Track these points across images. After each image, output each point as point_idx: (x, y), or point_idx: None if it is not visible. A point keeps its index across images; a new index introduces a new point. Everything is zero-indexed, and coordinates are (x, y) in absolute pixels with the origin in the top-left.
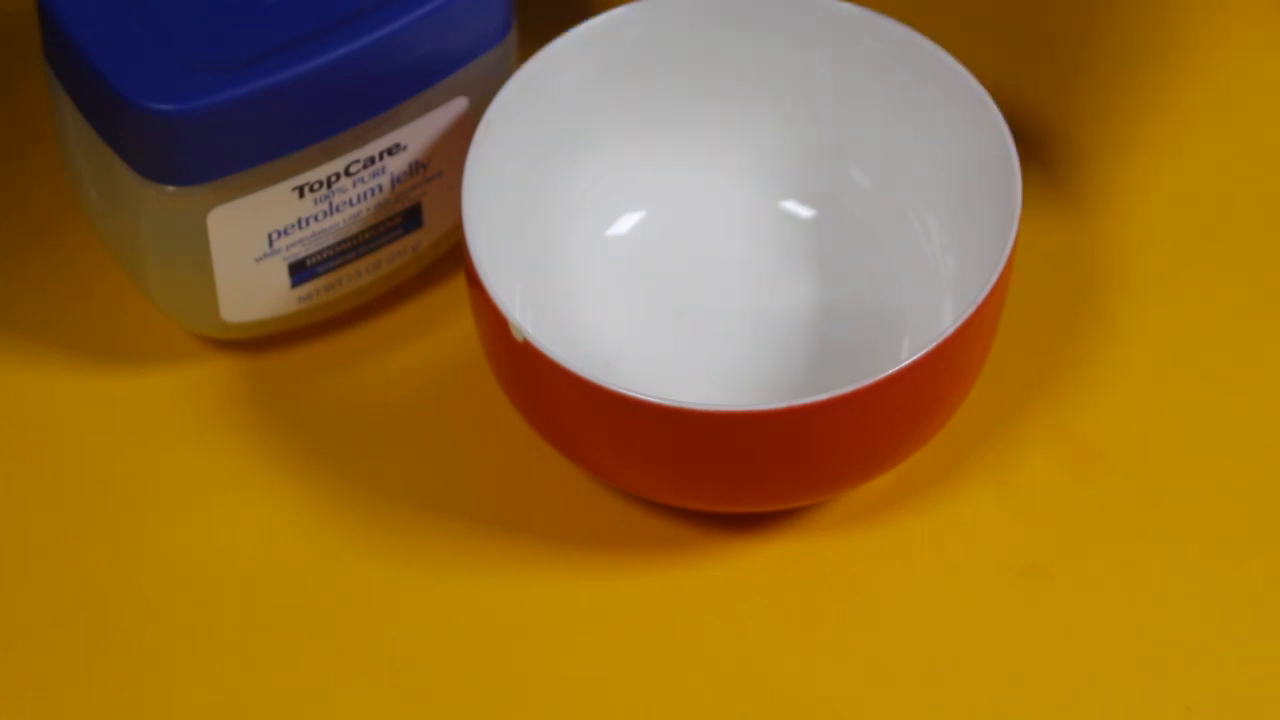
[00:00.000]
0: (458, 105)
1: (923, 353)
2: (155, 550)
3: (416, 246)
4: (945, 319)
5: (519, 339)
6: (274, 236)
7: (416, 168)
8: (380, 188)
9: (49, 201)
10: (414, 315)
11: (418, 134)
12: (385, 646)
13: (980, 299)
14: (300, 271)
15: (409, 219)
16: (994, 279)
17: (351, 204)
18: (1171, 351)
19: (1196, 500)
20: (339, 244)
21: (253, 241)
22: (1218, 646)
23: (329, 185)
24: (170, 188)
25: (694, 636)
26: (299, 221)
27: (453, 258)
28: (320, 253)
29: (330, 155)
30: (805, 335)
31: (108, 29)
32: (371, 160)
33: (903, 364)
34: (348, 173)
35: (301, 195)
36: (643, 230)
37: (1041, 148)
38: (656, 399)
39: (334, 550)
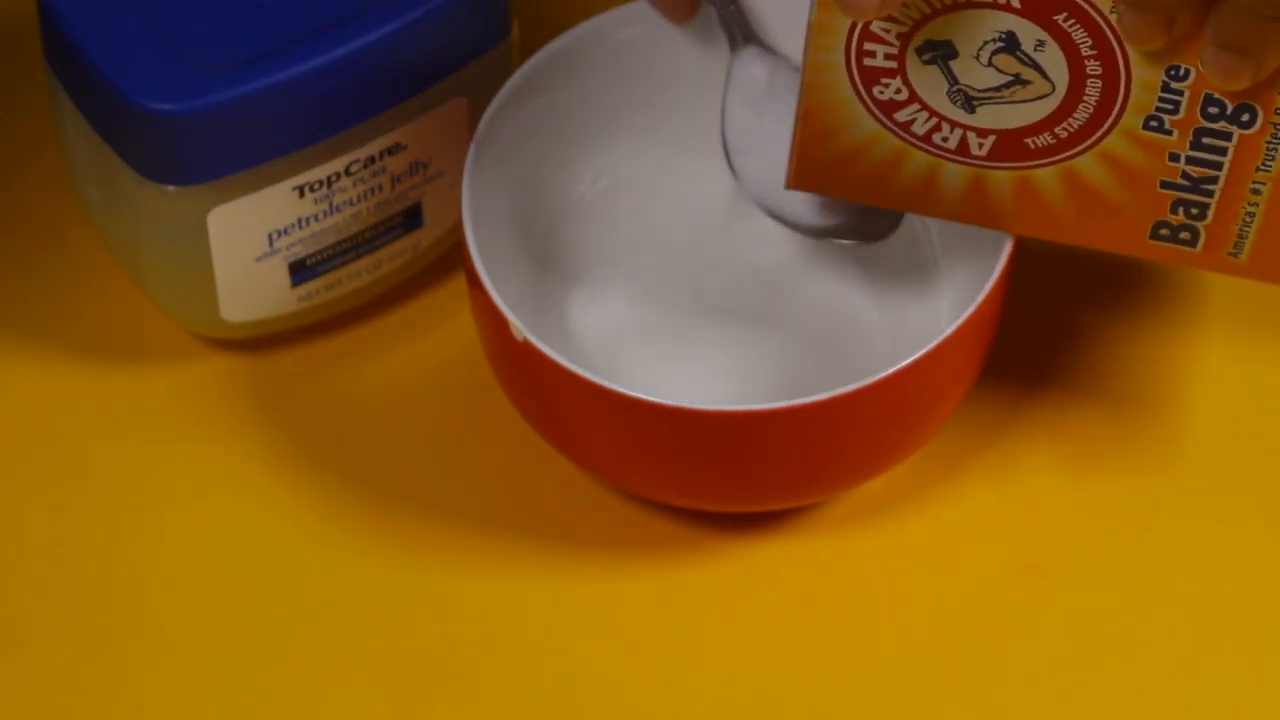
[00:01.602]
0: (458, 105)
1: (923, 353)
2: (155, 549)
3: (416, 246)
4: (945, 319)
5: (519, 339)
6: (274, 236)
7: (416, 168)
8: (380, 187)
9: (49, 201)
10: (414, 315)
11: (418, 134)
12: (385, 646)
13: (980, 299)
14: (300, 271)
15: (409, 219)
16: (994, 279)
17: (351, 204)
18: (1172, 351)
19: (1196, 500)
20: (339, 244)
21: (253, 241)
22: (1218, 646)
23: (329, 185)
24: (170, 188)
25: (694, 636)
26: (299, 221)
27: (453, 258)
28: (320, 252)
29: (330, 155)
30: (805, 335)
31: (108, 29)
32: (371, 160)
33: (903, 364)
34: (348, 172)
35: (301, 195)
36: (642, 230)
37: None
38: (656, 399)
39: (334, 550)
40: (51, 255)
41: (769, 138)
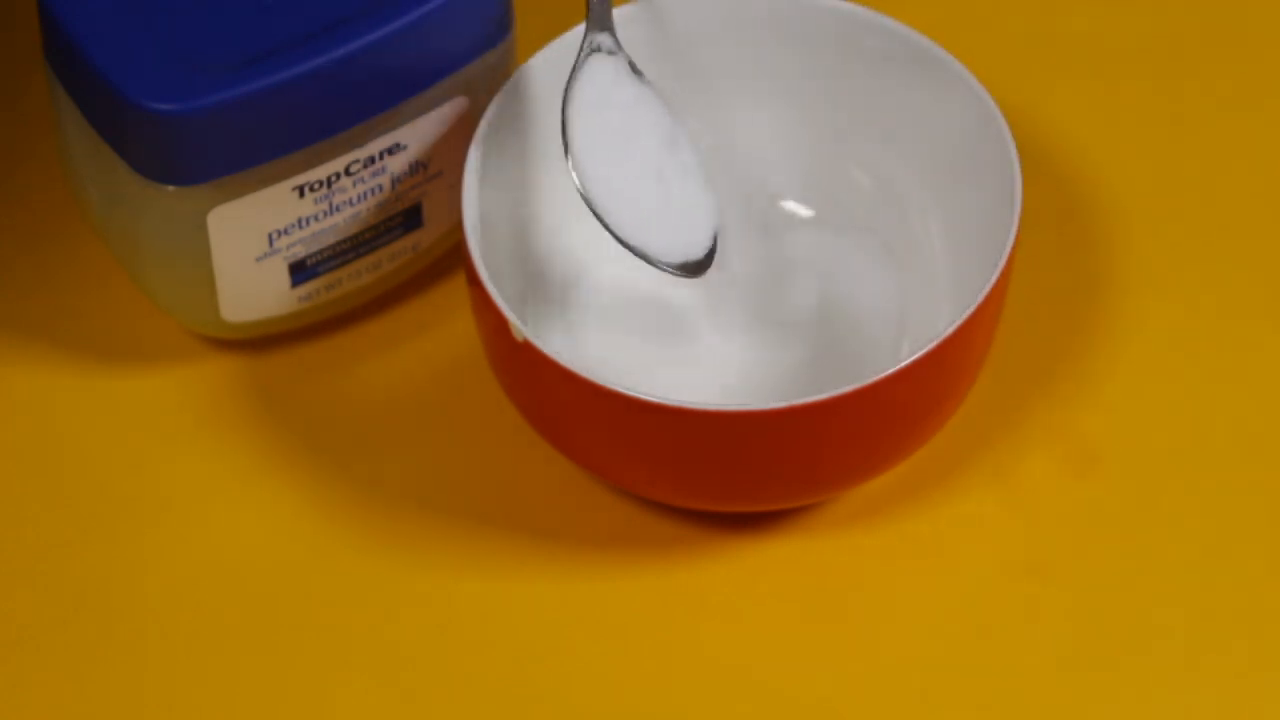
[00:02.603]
0: (458, 105)
1: (923, 353)
2: (155, 549)
3: (416, 246)
4: (945, 319)
5: (519, 339)
6: (274, 236)
7: (416, 167)
8: (380, 187)
9: (49, 202)
10: (414, 315)
11: (418, 134)
12: (385, 646)
13: (980, 299)
14: (300, 271)
15: (409, 219)
16: (994, 279)
17: (351, 204)
18: (1172, 351)
19: (1196, 500)
20: (339, 244)
21: (253, 241)
22: (1217, 646)
23: (329, 185)
24: (170, 188)
25: (694, 636)
26: (299, 221)
27: (453, 258)
28: (320, 252)
29: (330, 155)
30: (805, 335)
31: (108, 29)
32: (371, 160)
33: (903, 364)
34: (348, 172)
35: (301, 195)
36: None
37: (1041, 147)
38: (657, 399)
39: (334, 550)
40: (51, 255)
41: (606, 128)
